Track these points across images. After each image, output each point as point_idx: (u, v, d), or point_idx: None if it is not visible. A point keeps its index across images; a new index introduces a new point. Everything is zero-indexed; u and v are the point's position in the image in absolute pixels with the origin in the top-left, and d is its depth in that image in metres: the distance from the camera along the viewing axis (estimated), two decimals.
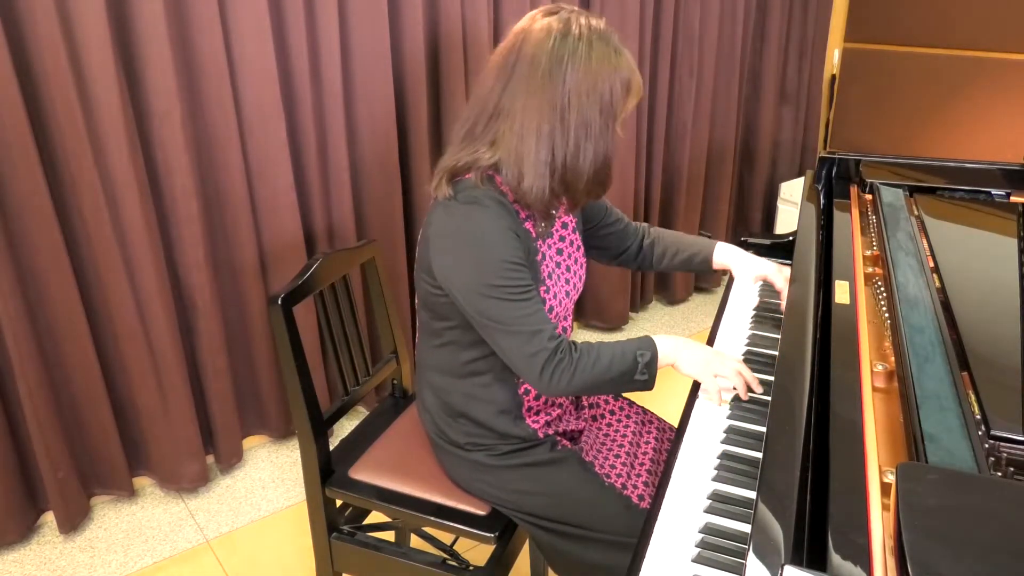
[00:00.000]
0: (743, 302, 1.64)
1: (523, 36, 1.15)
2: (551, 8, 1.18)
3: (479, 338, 1.23)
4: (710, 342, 1.50)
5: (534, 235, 1.26)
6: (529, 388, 1.32)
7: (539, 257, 1.26)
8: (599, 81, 1.13)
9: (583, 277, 1.38)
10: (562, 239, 1.33)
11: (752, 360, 1.41)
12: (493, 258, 1.14)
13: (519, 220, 1.22)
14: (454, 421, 1.34)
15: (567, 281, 1.32)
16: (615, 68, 1.15)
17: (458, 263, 1.16)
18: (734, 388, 1.25)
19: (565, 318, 1.35)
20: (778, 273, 1.51)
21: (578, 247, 1.37)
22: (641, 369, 1.21)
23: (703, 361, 1.26)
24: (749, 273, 1.52)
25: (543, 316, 1.17)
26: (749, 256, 1.55)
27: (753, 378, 1.27)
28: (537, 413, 1.34)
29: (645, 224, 1.58)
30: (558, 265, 1.31)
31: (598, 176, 1.19)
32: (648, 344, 1.23)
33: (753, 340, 1.48)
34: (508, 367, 1.25)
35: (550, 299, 1.27)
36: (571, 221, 1.37)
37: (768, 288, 1.70)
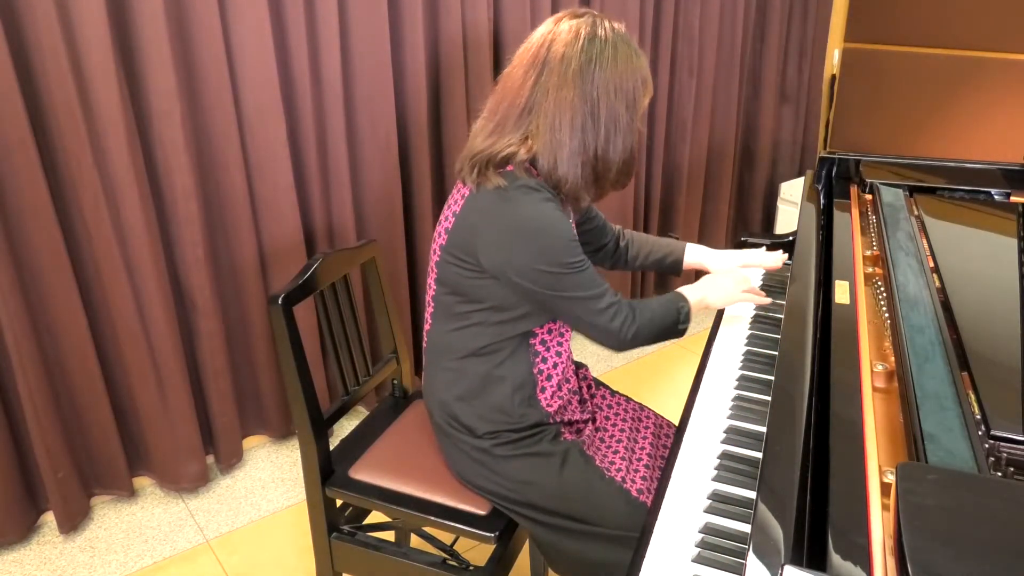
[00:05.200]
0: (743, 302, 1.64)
1: (552, 36, 1.25)
2: (576, 12, 1.28)
3: (506, 318, 1.30)
4: (710, 342, 1.51)
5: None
6: (543, 368, 1.36)
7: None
8: (625, 80, 1.25)
9: None
10: None
11: (752, 360, 1.41)
12: (561, 240, 1.24)
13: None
14: (468, 405, 1.35)
15: None
16: (637, 68, 1.27)
17: (524, 249, 1.22)
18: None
19: None
20: (752, 256, 1.60)
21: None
22: (683, 319, 1.37)
23: (732, 287, 1.45)
24: (726, 267, 1.59)
25: (601, 278, 1.31)
26: (720, 252, 1.62)
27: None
28: (551, 395, 1.37)
29: (619, 226, 1.65)
30: None
31: (625, 167, 1.32)
32: (682, 298, 1.40)
33: (753, 340, 1.48)
34: (524, 345, 1.33)
35: None
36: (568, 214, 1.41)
37: (768, 287, 1.70)
